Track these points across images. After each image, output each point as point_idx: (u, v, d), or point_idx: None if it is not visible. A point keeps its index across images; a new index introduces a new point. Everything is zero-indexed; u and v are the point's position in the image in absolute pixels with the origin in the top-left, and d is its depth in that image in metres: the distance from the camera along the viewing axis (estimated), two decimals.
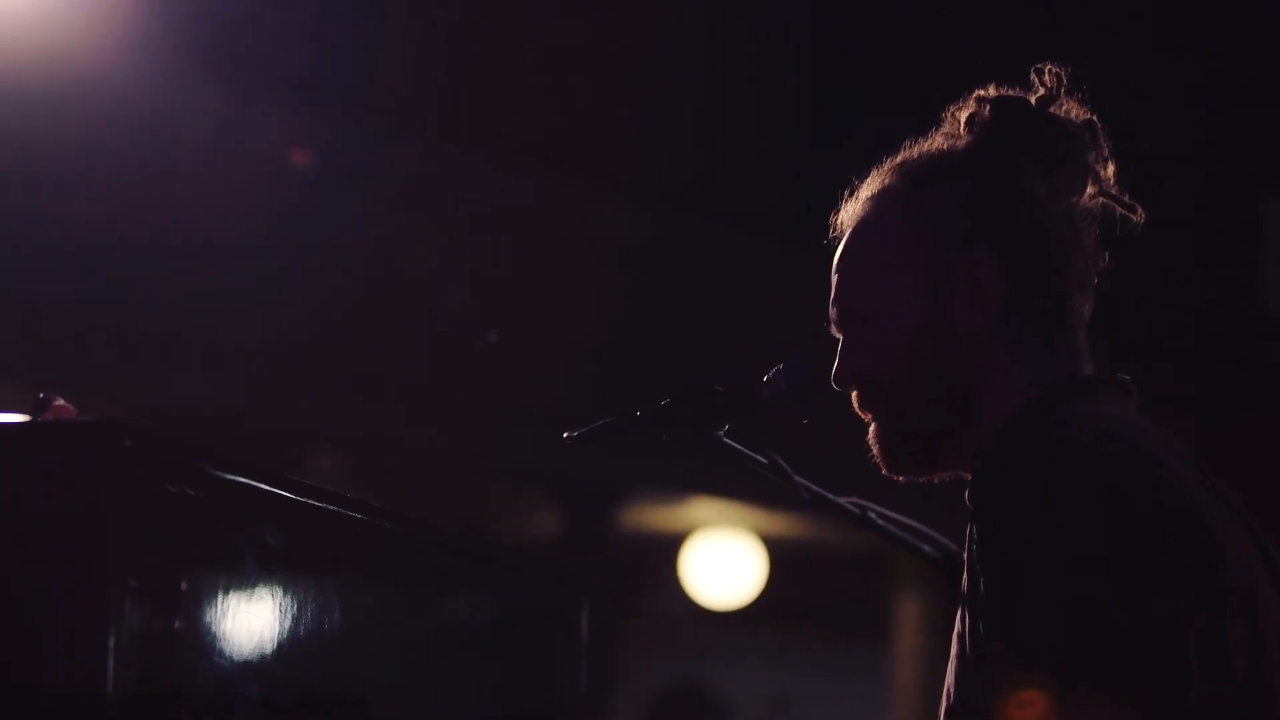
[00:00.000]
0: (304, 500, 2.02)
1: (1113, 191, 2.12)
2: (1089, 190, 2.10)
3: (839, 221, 2.15)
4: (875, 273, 2.09)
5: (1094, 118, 2.12)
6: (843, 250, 2.13)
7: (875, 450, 2.10)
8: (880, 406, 2.09)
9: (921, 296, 2.04)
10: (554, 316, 7.87)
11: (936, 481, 2.12)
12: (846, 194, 2.16)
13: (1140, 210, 2.14)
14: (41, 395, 2.09)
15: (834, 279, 2.13)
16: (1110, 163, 2.12)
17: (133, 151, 6.76)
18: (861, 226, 2.11)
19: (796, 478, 2.42)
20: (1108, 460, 1.82)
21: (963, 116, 2.12)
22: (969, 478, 2.01)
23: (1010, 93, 2.12)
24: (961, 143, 2.11)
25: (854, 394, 2.11)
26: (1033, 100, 2.10)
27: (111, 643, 1.69)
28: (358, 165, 7.50)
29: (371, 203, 7.52)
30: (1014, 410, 1.98)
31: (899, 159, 2.13)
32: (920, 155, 2.12)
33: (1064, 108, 2.11)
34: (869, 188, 2.13)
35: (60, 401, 2.09)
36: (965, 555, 1.91)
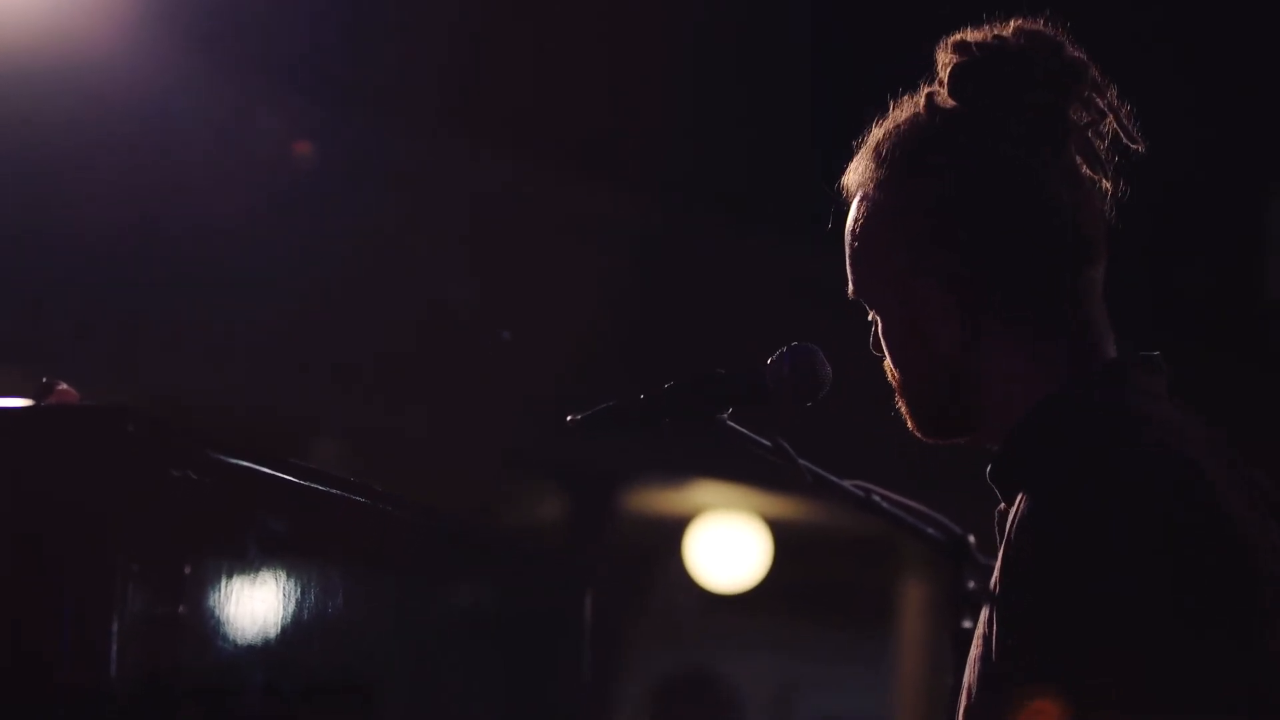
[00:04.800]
0: (307, 485, 2.02)
1: (1117, 118, 2.07)
2: (1085, 123, 2.05)
3: (844, 182, 2.14)
4: (865, 273, 2.09)
5: (1074, 55, 2.05)
6: (846, 233, 2.12)
7: (905, 418, 2.10)
8: (897, 387, 2.09)
9: (902, 311, 2.04)
10: (557, 303, 7.87)
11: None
12: (855, 146, 2.13)
13: (1140, 140, 2.07)
14: (45, 380, 2.08)
15: (846, 253, 2.13)
16: (1109, 88, 2.06)
17: (135, 140, 6.76)
18: (853, 223, 2.10)
19: (800, 461, 2.42)
20: (1145, 468, 1.79)
21: (944, 73, 2.06)
22: (994, 450, 2.01)
23: (985, 39, 2.06)
24: (939, 119, 2.05)
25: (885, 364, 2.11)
26: (1009, 46, 2.05)
27: (115, 627, 1.69)
28: (359, 154, 7.50)
29: (373, 191, 7.51)
30: (1035, 400, 1.96)
31: (881, 133, 2.09)
32: (897, 138, 2.07)
33: (1042, 50, 2.05)
34: (860, 166, 2.10)
35: (64, 386, 2.09)
36: (999, 555, 1.90)
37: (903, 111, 2.09)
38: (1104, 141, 2.07)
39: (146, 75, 6.77)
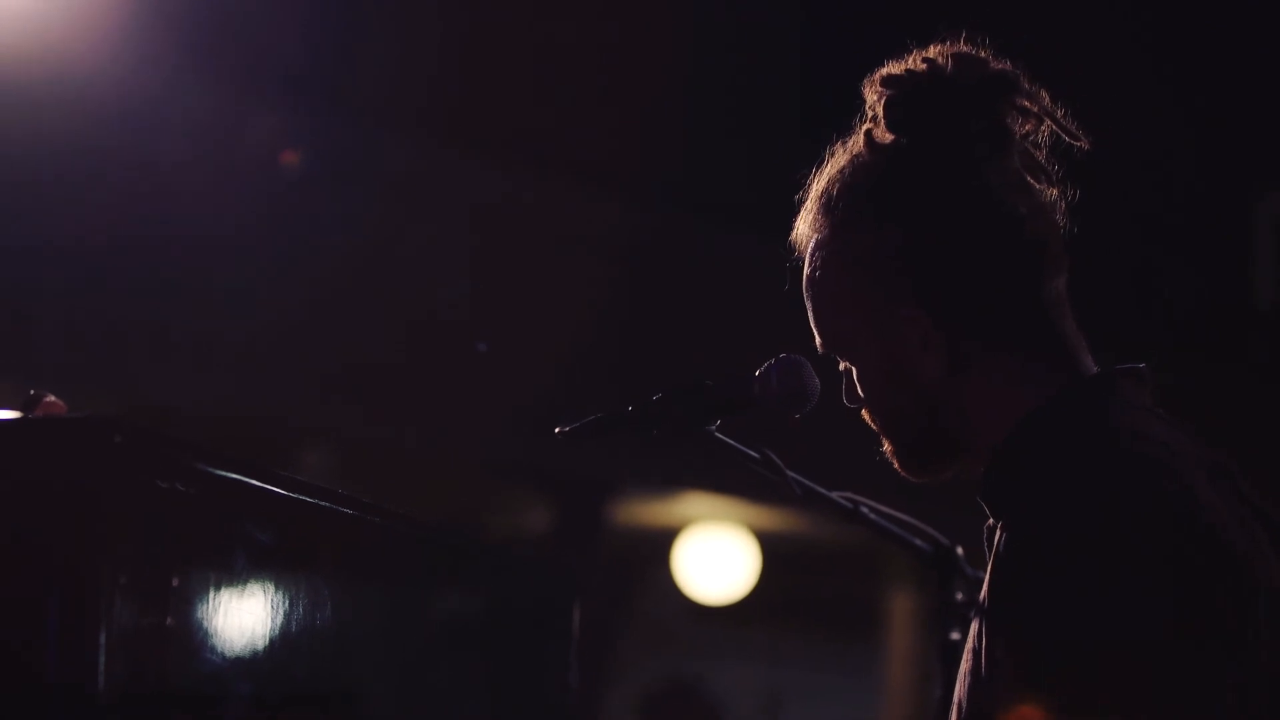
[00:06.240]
0: (295, 496, 2.02)
1: (1054, 120, 2.07)
2: (1026, 131, 2.05)
3: (795, 239, 2.13)
4: (835, 323, 2.09)
5: (1000, 67, 2.05)
6: (805, 290, 2.12)
7: (891, 459, 2.11)
8: (881, 429, 2.10)
9: (880, 350, 2.04)
10: (544, 312, 7.87)
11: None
12: (797, 200, 2.14)
13: (1084, 137, 2.08)
14: (32, 392, 2.08)
15: (808, 311, 2.13)
16: (1040, 93, 2.06)
17: (123, 146, 6.75)
18: (811, 277, 2.10)
19: (788, 473, 2.42)
20: (1128, 481, 1.80)
21: (878, 109, 2.06)
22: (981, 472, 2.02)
23: (912, 68, 2.06)
24: (882, 156, 2.05)
25: (863, 412, 2.11)
26: (937, 71, 2.05)
27: (102, 639, 1.69)
28: (347, 160, 7.50)
29: (360, 198, 7.51)
30: (1019, 417, 1.96)
31: (824, 185, 2.08)
32: (844, 183, 2.07)
33: (969, 71, 2.05)
34: (807, 218, 2.10)
35: (50, 398, 2.08)
36: (988, 569, 1.90)
37: (842, 157, 2.09)
38: (1042, 151, 2.07)
39: (135, 83, 6.76)
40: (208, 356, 7.27)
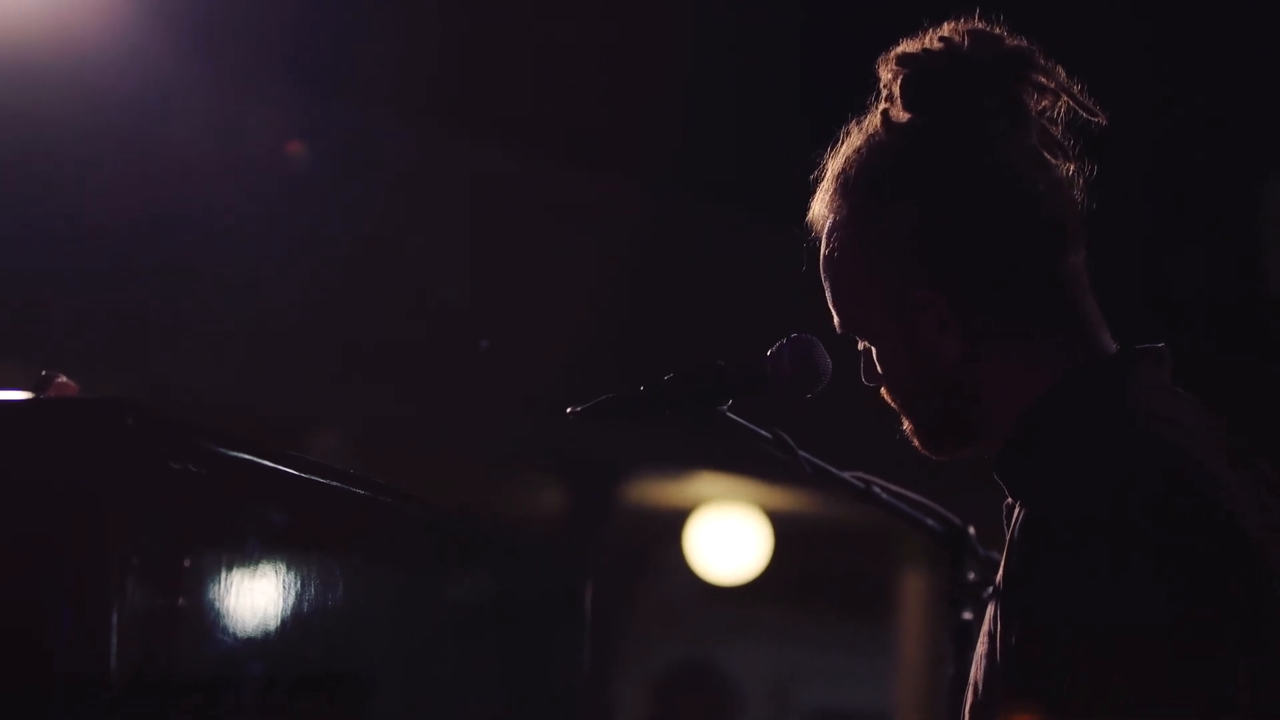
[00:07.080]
0: (307, 477, 2.02)
1: (1070, 96, 2.07)
2: (1043, 107, 2.05)
3: (811, 219, 2.13)
4: (852, 304, 2.08)
5: (1015, 44, 2.05)
6: (822, 270, 2.11)
7: (910, 437, 2.10)
8: (900, 408, 2.09)
9: (897, 331, 2.03)
10: (555, 294, 7.87)
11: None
12: (812, 180, 2.13)
13: (1100, 113, 2.07)
14: (44, 373, 2.08)
15: (826, 291, 2.13)
16: (1056, 69, 2.06)
17: (133, 134, 6.75)
18: (828, 258, 2.09)
19: (800, 452, 2.42)
20: (1143, 463, 1.79)
21: (894, 87, 2.06)
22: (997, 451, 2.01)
23: (928, 47, 2.06)
24: (898, 135, 2.05)
25: (882, 390, 2.11)
26: (953, 49, 2.05)
27: (114, 620, 1.69)
28: (355, 144, 7.49)
29: (369, 186, 7.51)
30: (1036, 395, 1.96)
31: (841, 165, 2.08)
32: (861, 163, 2.06)
33: (984, 48, 2.04)
34: (824, 198, 2.09)
35: (63, 379, 2.09)
36: (1005, 550, 1.89)
37: (858, 136, 2.08)
38: (1059, 127, 2.07)
39: (144, 69, 6.76)
40: (219, 342, 7.28)
